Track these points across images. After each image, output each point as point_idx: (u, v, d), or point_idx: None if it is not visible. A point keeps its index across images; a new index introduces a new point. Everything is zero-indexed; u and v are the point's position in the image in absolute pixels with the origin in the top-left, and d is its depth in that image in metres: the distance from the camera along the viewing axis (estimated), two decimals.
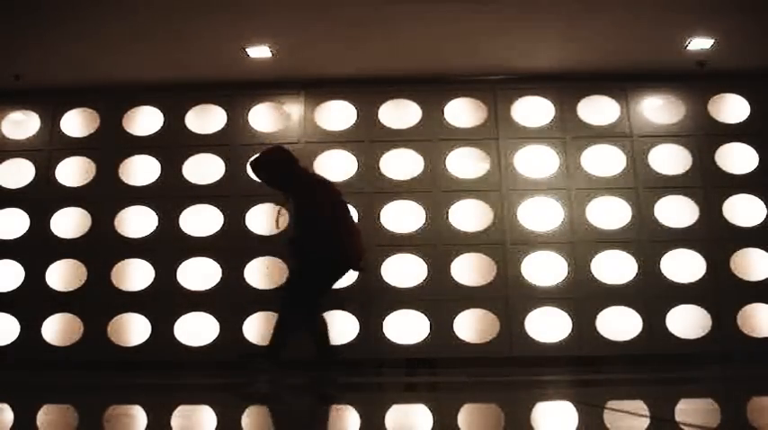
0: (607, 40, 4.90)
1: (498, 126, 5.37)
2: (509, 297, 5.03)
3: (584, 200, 5.20)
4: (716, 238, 5.10)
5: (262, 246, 5.17)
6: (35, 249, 5.23)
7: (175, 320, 5.06)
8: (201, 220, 5.25)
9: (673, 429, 1.96)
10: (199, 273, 5.15)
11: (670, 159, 5.28)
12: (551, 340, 4.96)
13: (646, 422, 2.05)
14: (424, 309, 5.01)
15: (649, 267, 5.05)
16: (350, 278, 5.07)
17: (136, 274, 5.18)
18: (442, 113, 5.41)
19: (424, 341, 4.96)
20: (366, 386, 3.87)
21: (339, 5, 4.41)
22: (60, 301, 5.13)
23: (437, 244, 5.12)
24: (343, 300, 5.03)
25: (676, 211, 5.17)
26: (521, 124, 5.38)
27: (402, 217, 5.19)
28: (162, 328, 5.04)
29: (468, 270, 5.11)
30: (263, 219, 5.25)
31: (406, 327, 5.00)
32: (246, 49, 4.96)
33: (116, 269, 5.18)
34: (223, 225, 5.23)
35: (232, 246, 5.18)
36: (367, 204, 5.20)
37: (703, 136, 5.32)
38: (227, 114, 5.49)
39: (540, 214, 5.19)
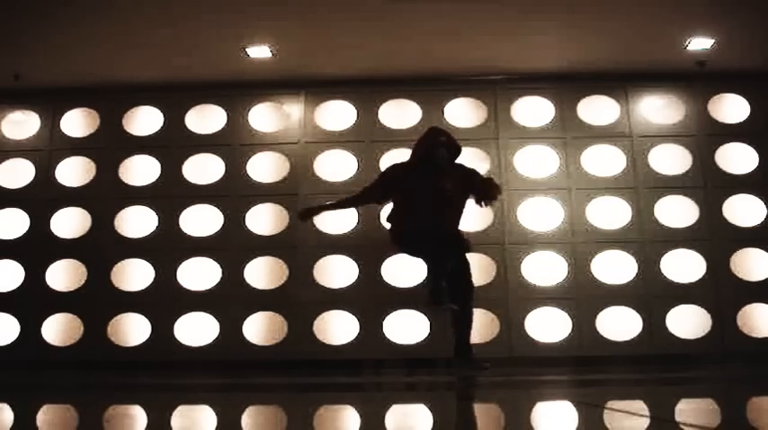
0: (607, 40, 4.91)
1: (498, 126, 5.36)
2: (509, 297, 5.03)
3: (584, 200, 5.20)
4: (716, 238, 5.10)
5: (262, 246, 5.17)
6: (35, 249, 5.23)
7: (175, 320, 5.06)
8: (201, 220, 5.25)
9: (673, 429, 1.96)
10: (199, 273, 5.15)
11: (670, 159, 5.28)
12: (551, 340, 4.96)
13: (646, 422, 2.04)
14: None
15: (649, 267, 5.05)
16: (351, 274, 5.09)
17: (136, 274, 5.18)
18: (442, 113, 5.41)
19: (424, 341, 4.96)
20: (366, 386, 3.87)
21: (339, 5, 4.41)
22: (60, 301, 5.13)
23: None
24: (343, 300, 5.04)
25: (676, 211, 5.17)
26: (521, 124, 5.38)
27: None
28: (162, 328, 5.04)
29: None
30: (263, 219, 5.26)
31: (406, 327, 5.00)
32: (246, 49, 4.96)
33: (116, 269, 5.18)
34: (223, 225, 5.23)
35: (232, 246, 5.18)
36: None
37: (703, 136, 5.32)
38: (227, 114, 5.49)
39: (540, 214, 5.19)
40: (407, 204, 3.97)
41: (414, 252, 4.02)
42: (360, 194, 4.23)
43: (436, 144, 4.00)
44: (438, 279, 3.72)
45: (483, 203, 3.99)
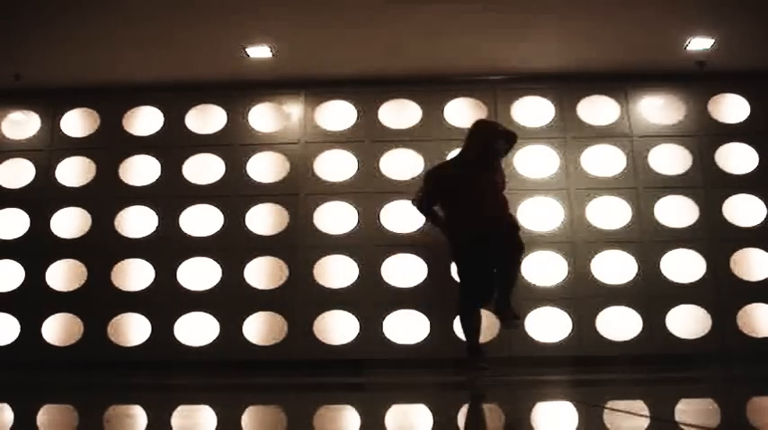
0: (607, 40, 4.90)
1: None
2: None
3: (584, 200, 5.20)
4: (716, 238, 5.10)
5: (262, 246, 5.17)
6: (35, 249, 5.23)
7: (175, 320, 5.06)
8: (201, 220, 5.25)
9: (673, 429, 1.96)
10: (199, 273, 5.15)
11: (670, 159, 5.28)
12: (551, 340, 4.96)
13: (646, 422, 2.05)
14: (424, 309, 5.01)
15: (649, 267, 5.05)
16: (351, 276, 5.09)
17: (136, 274, 5.18)
18: (442, 113, 5.41)
19: (424, 341, 4.96)
20: (366, 386, 3.87)
21: (339, 5, 4.41)
22: (60, 301, 5.13)
23: (437, 244, 5.11)
24: (343, 300, 5.04)
25: (676, 211, 5.17)
26: (521, 124, 5.38)
27: (402, 217, 5.19)
28: (162, 328, 5.04)
29: None
30: (263, 219, 5.25)
31: (406, 327, 5.00)
32: (246, 49, 4.96)
33: (116, 269, 5.18)
34: (223, 225, 5.23)
35: (232, 246, 5.18)
36: (367, 204, 5.20)
37: (703, 136, 5.32)
38: (227, 114, 5.49)
39: (540, 214, 5.19)
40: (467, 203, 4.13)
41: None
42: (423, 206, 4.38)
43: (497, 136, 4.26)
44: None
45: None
